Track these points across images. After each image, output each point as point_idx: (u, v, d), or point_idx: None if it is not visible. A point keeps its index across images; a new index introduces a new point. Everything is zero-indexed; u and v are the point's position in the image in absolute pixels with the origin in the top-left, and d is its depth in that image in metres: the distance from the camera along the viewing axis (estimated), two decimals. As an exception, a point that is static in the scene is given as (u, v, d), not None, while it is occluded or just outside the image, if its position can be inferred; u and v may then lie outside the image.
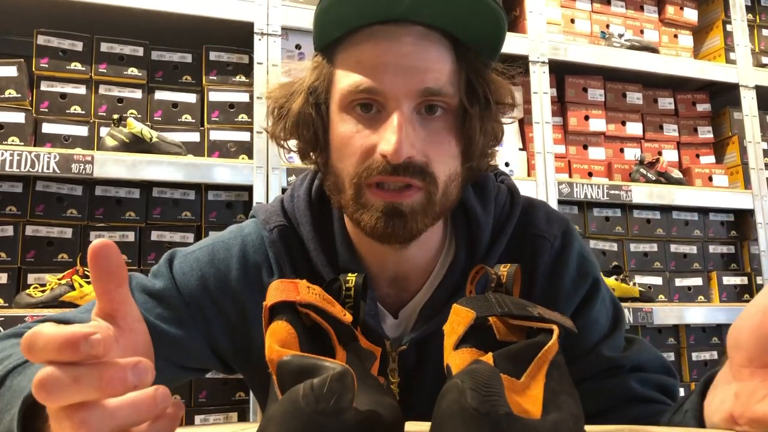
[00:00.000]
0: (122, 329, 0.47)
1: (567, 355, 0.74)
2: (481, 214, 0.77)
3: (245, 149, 1.80)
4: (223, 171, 1.69)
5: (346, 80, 0.69)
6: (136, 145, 1.65)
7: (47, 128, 1.68)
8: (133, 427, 0.41)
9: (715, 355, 2.27)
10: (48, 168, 1.53)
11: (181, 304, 0.76)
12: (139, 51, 1.81)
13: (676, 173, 2.25)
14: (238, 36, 1.82)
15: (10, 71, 1.68)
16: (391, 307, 0.77)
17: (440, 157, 0.69)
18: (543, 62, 2.09)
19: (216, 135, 1.81)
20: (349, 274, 0.59)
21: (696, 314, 2.14)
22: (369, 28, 0.68)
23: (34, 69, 1.71)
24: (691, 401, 0.60)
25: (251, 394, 1.65)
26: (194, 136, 1.80)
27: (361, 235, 0.72)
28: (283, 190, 1.50)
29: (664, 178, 2.20)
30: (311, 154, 0.76)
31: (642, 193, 2.13)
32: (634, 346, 0.78)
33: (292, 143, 0.78)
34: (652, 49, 2.29)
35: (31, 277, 1.63)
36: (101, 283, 0.45)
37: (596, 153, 2.26)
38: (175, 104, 1.82)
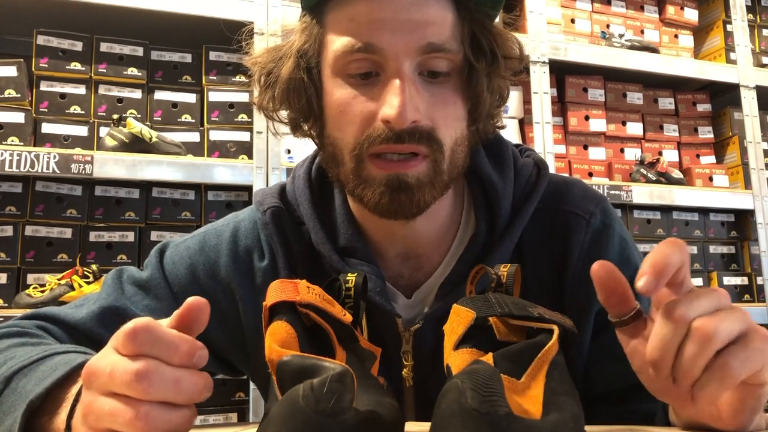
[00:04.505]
0: None
1: (613, 357, 0.68)
2: (497, 181, 0.72)
3: (245, 149, 1.80)
4: (222, 171, 1.69)
5: (339, 41, 0.63)
6: (136, 145, 1.64)
7: (47, 128, 1.68)
8: None
9: (715, 355, 2.26)
10: (48, 168, 1.53)
11: (168, 295, 0.74)
12: (139, 51, 1.81)
13: (677, 173, 2.25)
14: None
15: (10, 71, 1.68)
16: (405, 289, 0.73)
17: (446, 121, 0.64)
18: (543, 62, 2.09)
19: (216, 135, 1.81)
20: (349, 274, 0.59)
21: (696, 314, 2.13)
22: None
23: (33, 69, 1.71)
24: (659, 419, 0.61)
25: (251, 394, 1.65)
26: (194, 136, 1.80)
27: (365, 210, 0.68)
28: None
29: (665, 179, 2.20)
30: (303, 124, 0.72)
31: (642, 193, 2.12)
32: None
33: (283, 115, 0.73)
34: (653, 49, 2.29)
35: (31, 277, 1.63)
36: (183, 328, 0.46)
37: (596, 153, 2.26)
38: (174, 104, 1.82)
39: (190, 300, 0.46)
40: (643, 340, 0.50)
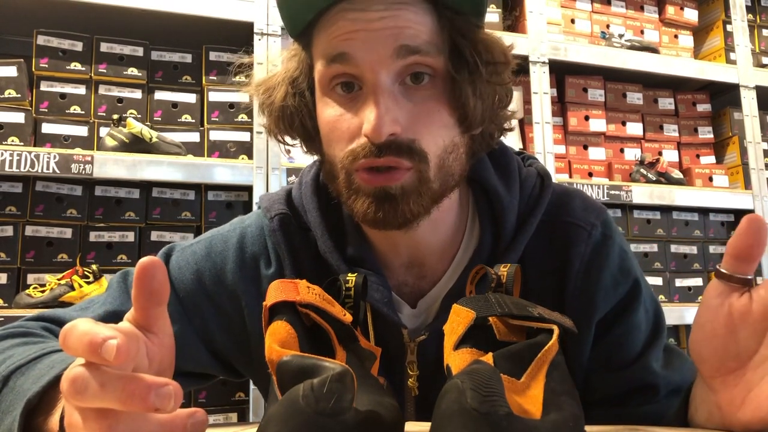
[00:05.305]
0: (152, 342, 0.47)
1: (610, 365, 0.72)
2: (504, 194, 0.72)
3: (245, 149, 1.80)
4: (222, 171, 1.69)
5: (321, 62, 0.65)
6: (136, 145, 1.65)
7: (47, 128, 1.68)
8: None
9: (715, 355, 2.27)
10: (48, 168, 1.53)
11: (173, 300, 0.74)
12: (139, 51, 1.81)
13: (677, 173, 2.25)
14: (238, 36, 1.82)
15: (10, 71, 1.68)
16: (409, 297, 0.74)
17: (430, 130, 0.64)
18: (543, 62, 2.09)
19: (216, 135, 1.81)
20: (349, 274, 0.59)
21: (696, 314, 2.13)
22: (339, 4, 0.63)
23: (33, 69, 1.71)
24: (677, 413, 0.60)
25: (251, 394, 1.65)
26: (194, 136, 1.80)
27: None
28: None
29: (665, 179, 2.20)
30: (309, 144, 0.74)
31: (642, 193, 2.12)
32: (675, 361, 0.73)
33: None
34: (653, 50, 2.29)
35: (31, 278, 1.63)
36: (142, 300, 0.45)
37: (596, 153, 2.26)
38: (174, 104, 1.82)
39: (141, 261, 0.44)
40: (729, 306, 0.52)
